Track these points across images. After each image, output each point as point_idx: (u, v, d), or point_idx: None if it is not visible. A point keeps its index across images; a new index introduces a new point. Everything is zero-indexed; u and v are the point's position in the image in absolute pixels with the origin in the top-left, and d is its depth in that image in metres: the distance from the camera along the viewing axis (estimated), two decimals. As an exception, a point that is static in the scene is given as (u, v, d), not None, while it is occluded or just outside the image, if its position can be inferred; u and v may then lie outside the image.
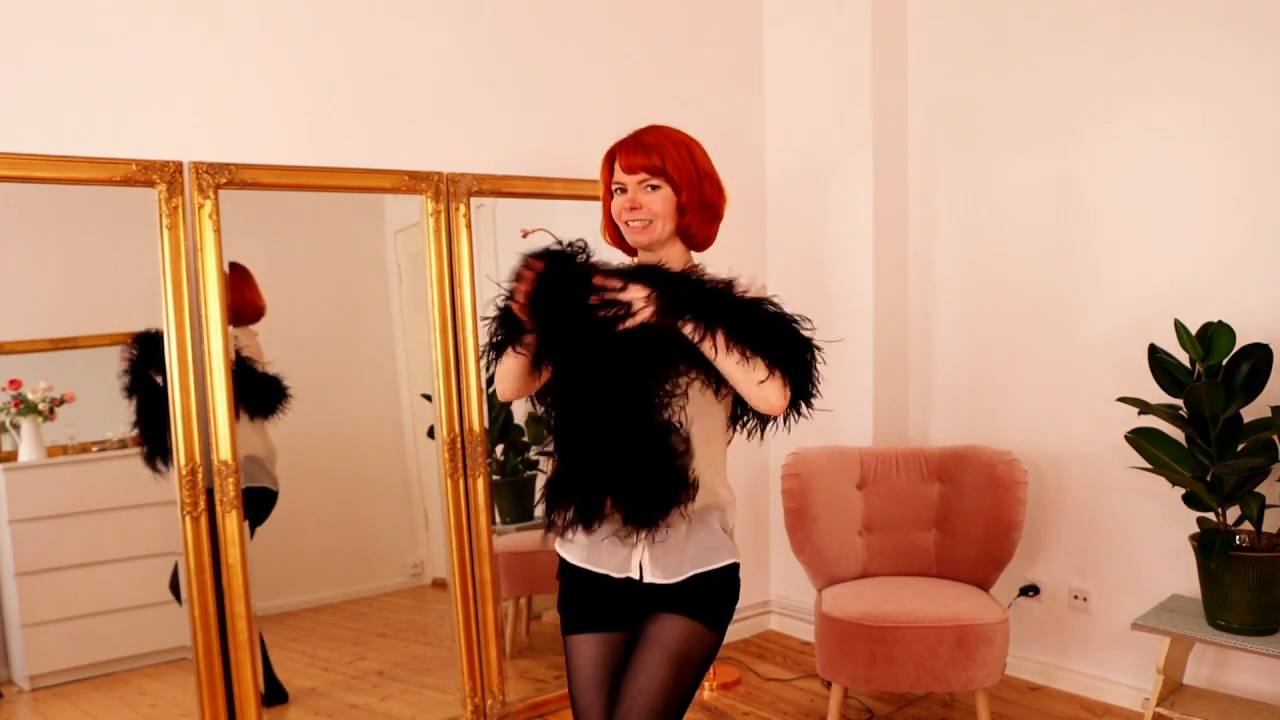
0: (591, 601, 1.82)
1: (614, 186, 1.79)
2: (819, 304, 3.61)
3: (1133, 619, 2.80)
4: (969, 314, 3.49)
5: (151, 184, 2.49)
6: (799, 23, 3.70)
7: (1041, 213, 3.26)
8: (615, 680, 1.79)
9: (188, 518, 2.53)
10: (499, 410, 3.18)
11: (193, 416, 2.53)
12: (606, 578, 1.78)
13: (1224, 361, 2.60)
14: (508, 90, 3.19)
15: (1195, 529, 2.72)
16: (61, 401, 2.58)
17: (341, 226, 3.06)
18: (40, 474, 2.60)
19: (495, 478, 3.11)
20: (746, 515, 3.78)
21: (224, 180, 2.57)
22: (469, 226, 2.95)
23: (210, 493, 2.56)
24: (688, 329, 1.64)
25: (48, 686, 2.57)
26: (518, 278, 1.69)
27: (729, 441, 1.85)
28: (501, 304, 1.74)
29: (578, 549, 1.81)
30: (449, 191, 2.94)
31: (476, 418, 2.97)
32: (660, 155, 1.74)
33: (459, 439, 2.95)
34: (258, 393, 2.72)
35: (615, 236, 1.85)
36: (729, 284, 1.69)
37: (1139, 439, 2.71)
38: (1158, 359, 2.71)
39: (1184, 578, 2.92)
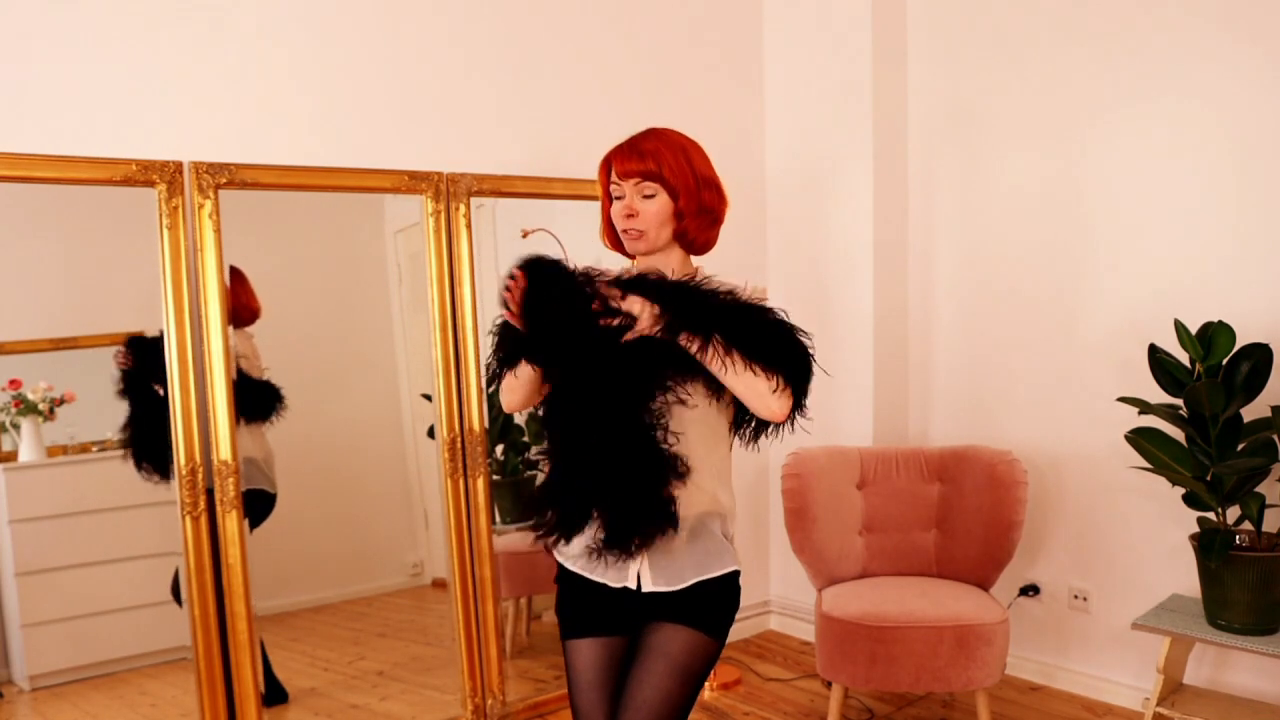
0: (589, 606, 1.81)
1: (612, 190, 1.78)
2: (819, 304, 3.61)
3: (1133, 619, 2.80)
4: (969, 314, 3.49)
5: (151, 184, 2.49)
6: (799, 22, 3.70)
7: (1041, 213, 3.26)
8: (615, 684, 1.79)
9: (188, 518, 2.53)
10: (499, 410, 3.17)
11: (193, 417, 2.53)
12: (604, 586, 1.77)
13: (1224, 361, 2.60)
14: (508, 90, 3.19)
15: (1195, 529, 2.72)
16: (61, 401, 2.58)
17: (341, 226, 3.06)
18: (40, 474, 2.60)
19: (495, 478, 3.12)
20: (746, 515, 3.78)
21: (224, 180, 2.58)
22: (469, 226, 2.95)
23: (210, 493, 2.56)
24: (691, 346, 1.64)
25: (48, 686, 2.57)
26: (506, 287, 1.68)
27: (731, 445, 1.85)
28: (499, 319, 1.74)
29: (574, 555, 1.79)
30: (449, 191, 2.94)
31: (476, 418, 2.97)
32: (656, 161, 1.72)
33: (459, 439, 2.95)
34: (253, 398, 2.72)
35: (614, 240, 1.83)
36: (730, 293, 1.69)
37: (1139, 439, 2.71)
38: (1158, 359, 2.71)
39: (1184, 578, 2.92)
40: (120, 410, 2.61)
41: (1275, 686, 2.80)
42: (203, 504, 2.54)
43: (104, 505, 2.62)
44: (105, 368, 2.60)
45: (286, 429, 2.82)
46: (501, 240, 3.15)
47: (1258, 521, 2.60)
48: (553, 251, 1.75)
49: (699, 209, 1.76)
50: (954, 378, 3.54)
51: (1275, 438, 2.56)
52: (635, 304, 1.64)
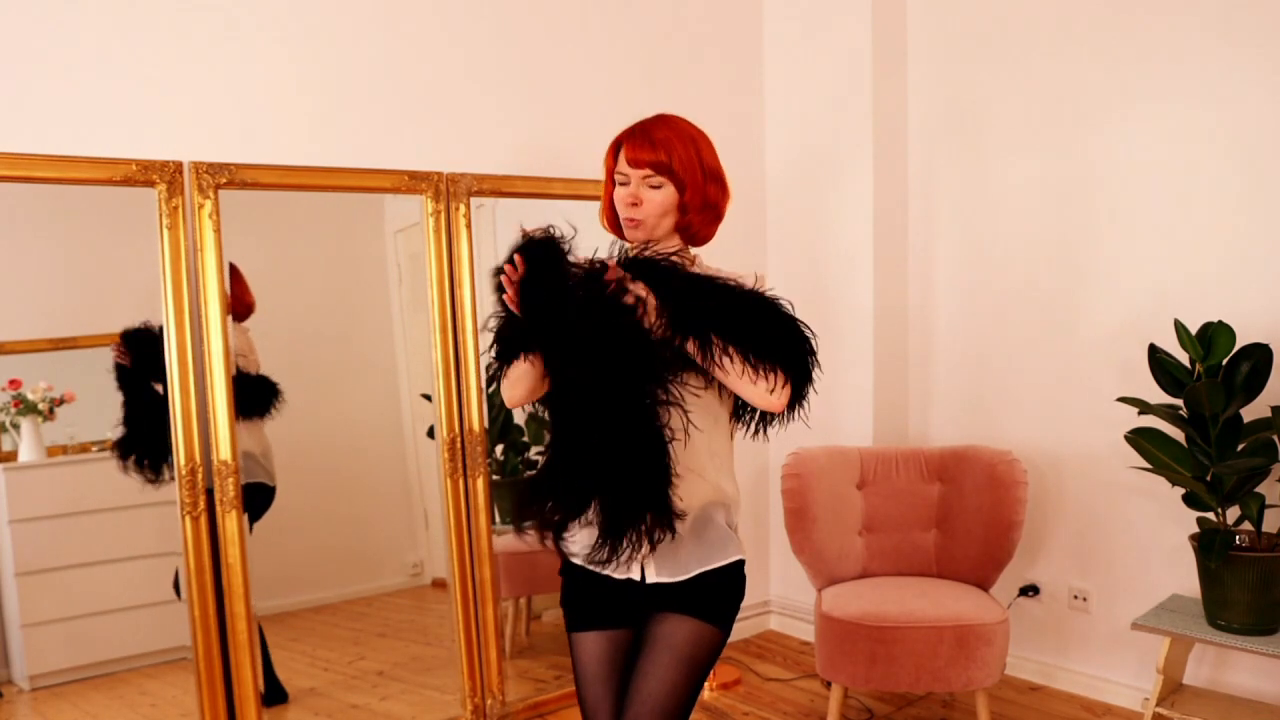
0: (594, 599, 1.81)
1: (617, 175, 1.75)
2: (819, 304, 3.61)
3: (1133, 619, 2.80)
4: (969, 314, 3.49)
5: (151, 184, 2.49)
6: (799, 22, 3.70)
7: (1041, 212, 3.26)
8: (622, 675, 1.78)
9: (188, 518, 2.53)
10: (499, 410, 3.17)
11: (193, 417, 2.53)
12: (607, 578, 1.77)
13: (1224, 361, 2.60)
14: (508, 90, 3.19)
15: (1195, 529, 2.72)
16: (61, 401, 2.58)
17: (341, 226, 3.06)
18: (40, 474, 2.60)
19: (495, 478, 3.11)
20: (747, 515, 3.78)
21: (224, 180, 2.58)
22: (469, 226, 2.95)
23: (210, 493, 2.56)
24: (687, 345, 1.62)
25: (48, 686, 2.57)
26: (499, 270, 1.66)
27: (732, 435, 1.82)
28: (500, 309, 1.71)
29: (577, 546, 1.78)
30: (449, 191, 2.94)
31: (476, 418, 2.97)
32: (667, 152, 1.70)
33: (459, 439, 2.95)
34: (250, 393, 2.72)
35: (613, 223, 1.81)
36: (733, 284, 1.67)
37: (1139, 439, 2.71)
38: (1158, 359, 2.71)
39: (1184, 578, 2.92)
40: (121, 410, 2.61)
41: (1275, 686, 2.80)
42: (202, 504, 2.54)
43: (104, 505, 2.62)
44: (105, 368, 2.60)
45: (287, 429, 2.82)
46: (501, 240, 3.15)
47: (1258, 522, 2.60)
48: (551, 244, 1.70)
49: (703, 203, 1.74)
50: (954, 378, 3.54)
51: (1275, 438, 2.56)
52: (641, 289, 1.62)
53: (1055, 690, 3.27)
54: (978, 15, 3.39)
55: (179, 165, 2.52)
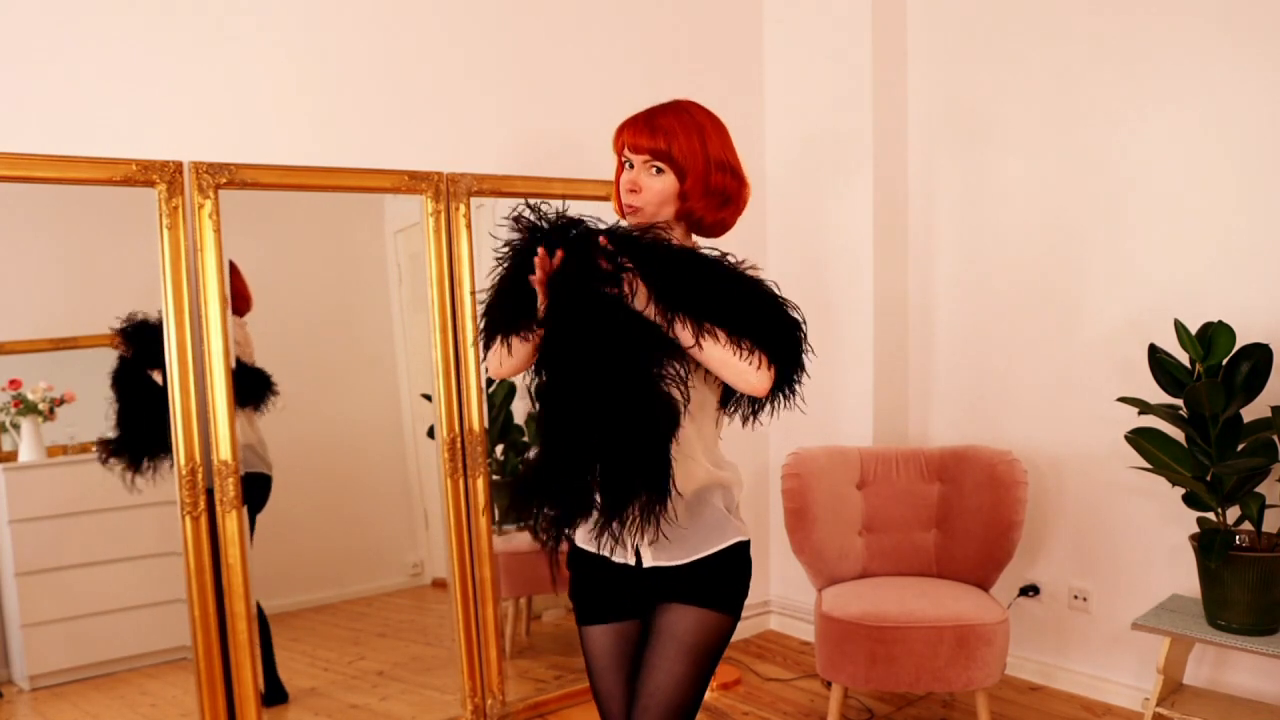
0: (601, 590, 1.81)
1: (623, 159, 1.76)
2: (819, 303, 3.61)
3: (1133, 619, 2.80)
4: (969, 314, 3.49)
5: (151, 184, 2.49)
6: (799, 21, 3.70)
7: (1041, 212, 3.26)
8: (632, 666, 1.78)
9: (188, 518, 2.53)
10: (499, 410, 3.18)
11: (193, 417, 2.53)
12: (608, 561, 1.76)
13: (1224, 361, 2.60)
14: (508, 90, 3.19)
15: (1195, 529, 2.72)
16: (61, 401, 2.58)
17: (341, 226, 3.06)
18: (40, 474, 2.60)
19: (495, 478, 3.11)
20: (747, 515, 3.76)
21: (224, 180, 2.58)
22: (469, 226, 2.95)
23: (210, 492, 2.56)
24: (660, 319, 1.60)
25: (48, 686, 2.57)
26: (515, 251, 1.65)
27: (719, 421, 1.80)
28: (499, 281, 1.69)
29: (581, 529, 1.76)
30: (449, 191, 2.94)
31: (476, 418, 2.97)
32: (667, 139, 1.69)
33: (459, 439, 2.95)
34: (246, 384, 2.72)
35: (622, 207, 1.82)
36: (706, 258, 1.65)
37: (1139, 439, 2.71)
38: (1158, 359, 2.71)
39: (1184, 578, 2.92)
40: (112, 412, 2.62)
41: (1275, 686, 2.80)
42: (203, 504, 2.54)
43: (104, 505, 2.62)
44: (105, 368, 2.60)
45: (287, 428, 2.83)
46: (501, 240, 3.15)
47: (1258, 521, 2.60)
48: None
49: (706, 190, 1.72)
50: (954, 378, 3.54)
51: (1275, 438, 2.56)
52: (637, 280, 1.61)
53: (1055, 690, 3.27)
54: (978, 15, 3.39)
55: (179, 165, 2.52)
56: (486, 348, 1.77)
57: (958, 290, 3.51)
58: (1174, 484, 2.70)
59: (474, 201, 2.98)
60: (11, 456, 2.57)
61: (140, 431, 2.57)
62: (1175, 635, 2.65)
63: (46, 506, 2.59)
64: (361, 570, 3.20)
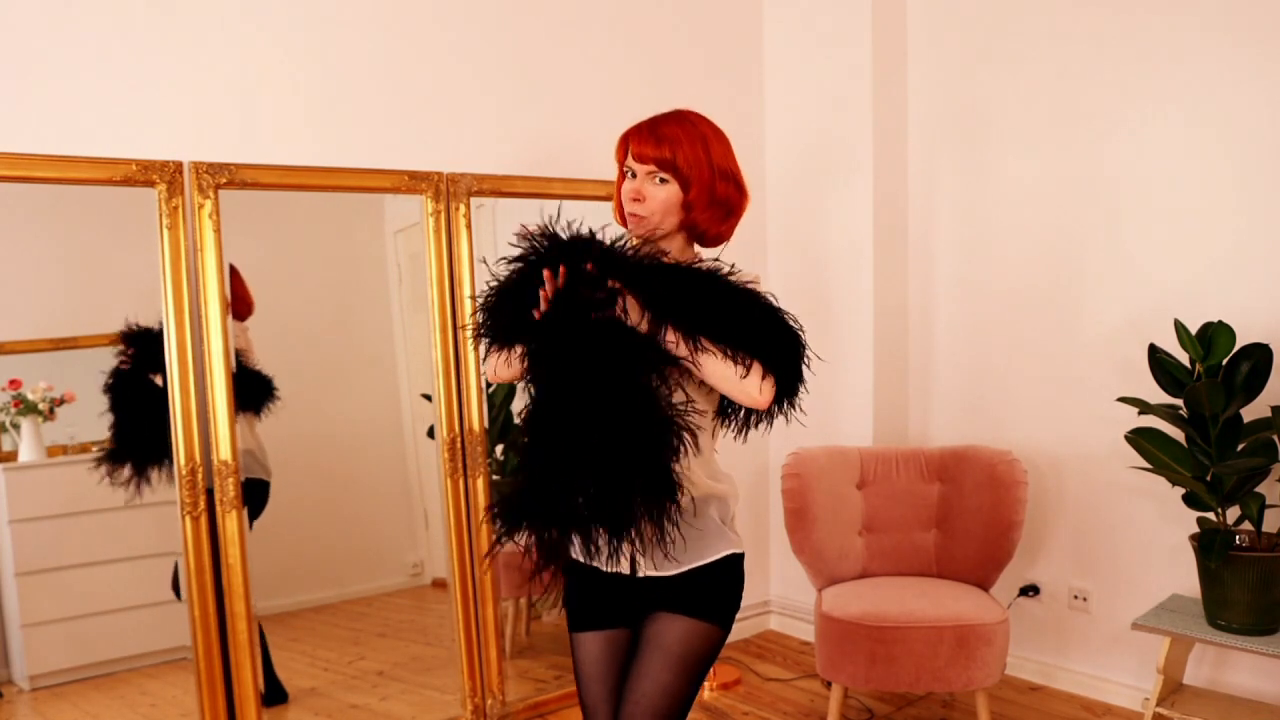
0: (593, 598, 1.81)
1: (625, 169, 1.75)
2: (819, 304, 3.61)
3: (1133, 619, 2.80)
4: (969, 314, 3.49)
5: (151, 184, 2.49)
6: (799, 22, 3.70)
7: (1041, 213, 3.26)
8: (620, 676, 1.79)
9: (188, 518, 2.53)
10: (499, 410, 3.18)
11: (193, 417, 2.53)
12: (600, 571, 1.76)
13: (1224, 361, 2.60)
14: (508, 90, 3.19)
15: (1195, 529, 2.72)
16: (61, 401, 2.58)
17: (341, 226, 3.06)
18: (40, 474, 2.60)
19: (495, 478, 3.11)
20: (747, 515, 3.78)
21: (224, 180, 2.58)
22: (469, 226, 2.95)
23: (210, 493, 2.56)
24: (670, 342, 1.61)
25: (48, 686, 2.57)
26: (513, 267, 1.66)
27: (715, 433, 1.81)
28: (504, 284, 1.70)
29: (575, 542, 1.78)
30: (449, 191, 2.94)
31: (476, 418, 2.97)
32: (672, 149, 1.69)
33: (459, 439, 2.95)
34: (247, 389, 2.72)
35: (623, 217, 1.81)
36: (704, 273, 1.65)
37: (1139, 439, 2.71)
38: (1158, 359, 2.71)
39: (1184, 578, 2.92)
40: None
41: (1275, 686, 2.80)
42: (203, 504, 2.54)
43: (104, 505, 2.62)
44: (105, 368, 2.60)
45: (287, 428, 2.82)
46: (501, 240, 3.15)
47: (1258, 521, 2.60)
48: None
49: (710, 201, 1.72)
50: (954, 378, 3.54)
51: (1275, 438, 2.56)
52: (629, 298, 1.62)
53: (1055, 690, 3.27)
54: (978, 16, 3.39)
55: (179, 165, 2.52)
56: (481, 346, 1.77)
57: (958, 290, 3.51)
58: (1174, 484, 2.70)
59: (474, 201, 2.98)
60: (11, 456, 2.57)
61: (143, 440, 2.56)
62: (1175, 635, 2.65)
63: (46, 506, 2.59)
64: (361, 570, 3.20)
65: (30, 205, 2.45)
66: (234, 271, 2.70)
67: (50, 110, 2.45)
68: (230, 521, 2.58)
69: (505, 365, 1.75)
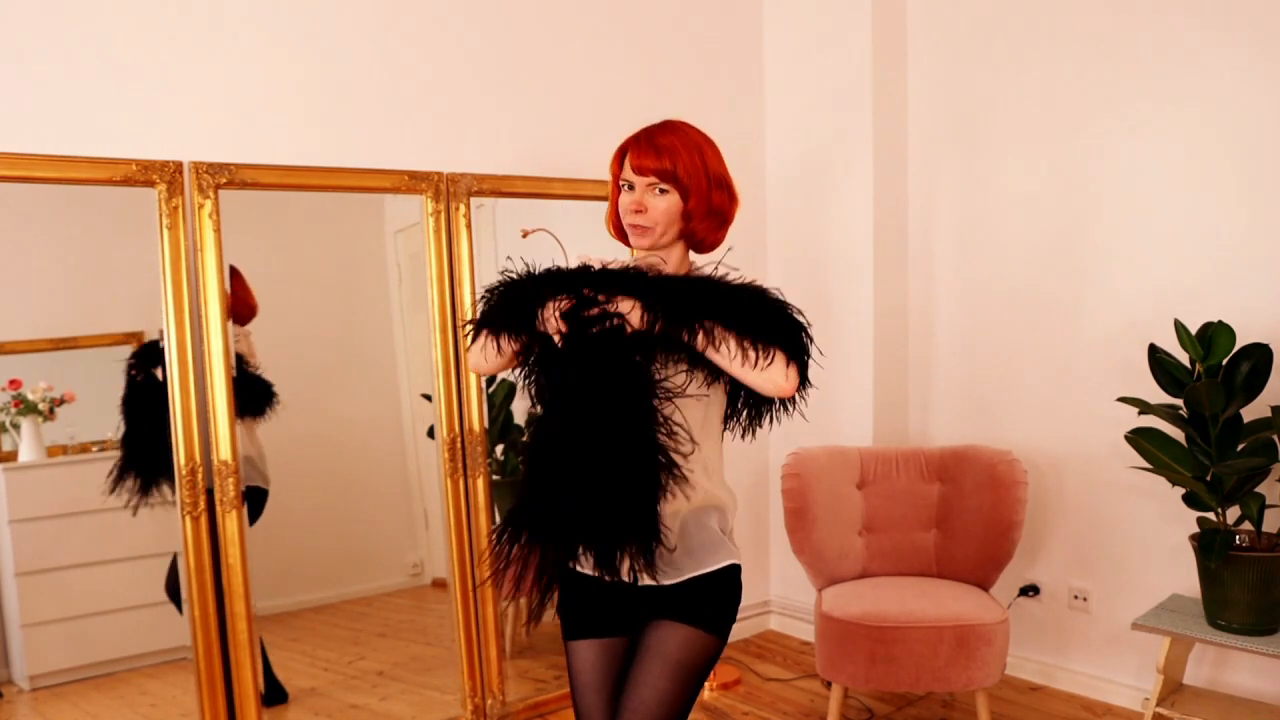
0: (589, 607, 1.80)
1: (622, 182, 1.76)
2: (819, 304, 3.61)
3: (1133, 619, 2.80)
4: (969, 314, 3.49)
5: (151, 184, 2.49)
6: (799, 22, 3.70)
7: (1041, 213, 3.26)
8: (616, 685, 1.78)
9: (188, 518, 2.53)
10: (499, 410, 3.18)
11: (193, 417, 2.53)
12: (599, 581, 1.76)
13: (1224, 361, 2.60)
14: (508, 90, 3.19)
15: (1195, 529, 2.72)
16: (61, 401, 2.58)
17: (341, 226, 3.06)
18: (40, 474, 2.60)
19: (495, 478, 3.11)
20: (747, 515, 3.78)
21: (224, 180, 2.58)
22: (469, 226, 2.95)
23: (210, 493, 2.56)
24: (685, 335, 1.62)
25: (48, 686, 2.57)
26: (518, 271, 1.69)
27: (722, 437, 1.82)
28: (509, 285, 1.73)
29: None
30: (449, 191, 2.94)
31: (476, 418, 2.97)
32: (672, 159, 1.70)
33: (459, 439, 2.95)
34: (248, 393, 2.72)
35: (618, 229, 1.82)
36: (720, 278, 1.68)
37: (1139, 439, 2.71)
38: (1158, 359, 2.71)
39: (1184, 578, 2.92)
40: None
41: (1275, 686, 2.80)
42: (203, 504, 2.54)
43: (104, 505, 2.62)
44: (105, 368, 2.60)
45: (287, 428, 2.82)
46: (501, 240, 3.15)
47: (1258, 521, 2.60)
48: (554, 252, 1.73)
49: (709, 210, 1.74)
50: (954, 378, 3.54)
51: (1275, 438, 2.56)
52: (625, 304, 1.64)
53: (1055, 690, 3.27)
54: (977, 16, 3.39)
55: (179, 165, 2.52)
56: (471, 336, 1.78)
57: (958, 290, 3.51)
58: (1174, 484, 2.70)
59: (474, 201, 2.98)
60: (11, 456, 2.57)
61: (154, 451, 2.56)
62: (1175, 635, 2.65)
63: (46, 506, 2.59)
64: (361, 570, 3.20)
65: (30, 205, 2.45)
66: (236, 274, 2.70)
67: (50, 110, 2.45)
68: (230, 522, 2.58)
69: (496, 354, 1.75)
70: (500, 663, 3.04)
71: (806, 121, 3.70)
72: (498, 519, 3.08)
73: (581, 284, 1.66)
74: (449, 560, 2.96)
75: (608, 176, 1.84)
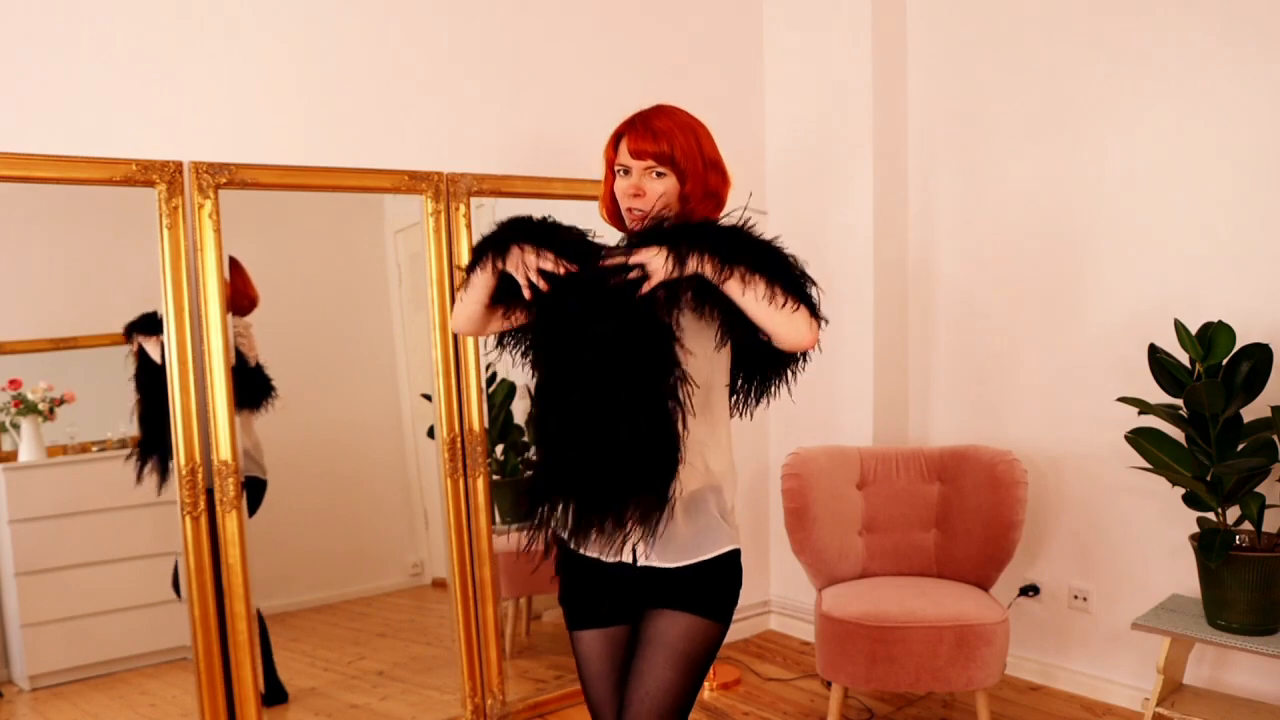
0: (591, 595, 1.81)
1: (617, 167, 1.76)
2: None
3: (1133, 619, 2.80)
4: (969, 314, 3.49)
5: (151, 184, 2.49)
6: (799, 21, 3.70)
7: (1041, 212, 3.26)
8: (623, 673, 1.78)
9: (188, 518, 2.53)
10: (499, 410, 3.18)
11: (193, 416, 2.53)
12: (598, 563, 1.76)
13: (1224, 361, 2.60)
14: (508, 90, 3.19)
15: (1195, 529, 2.72)
16: (61, 401, 2.58)
17: (341, 226, 3.06)
18: (40, 474, 2.60)
19: (495, 478, 3.11)
20: (747, 515, 3.78)
21: (224, 180, 2.58)
22: (469, 226, 2.95)
23: (210, 492, 2.56)
24: (708, 270, 1.59)
25: (48, 686, 2.57)
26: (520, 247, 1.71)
27: (722, 422, 1.80)
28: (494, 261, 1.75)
29: (572, 531, 1.78)
30: (449, 191, 2.94)
31: (476, 418, 2.97)
32: (670, 142, 1.71)
33: (459, 439, 2.95)
34: (246, 385, 2.71)
35: (612, 214, 1.82)
36: (736, 226, 1.66)
37: (1139, 439, 2.71)
38: (1158, 359, 2.71)
39: (1184, 578, 2.92)
40: (125, 410, 2.61)
41: (1275, 686, 2.80)
42: (203, 504, 2.54)
43: (104, 505, 2.62)
44: (105, 368, 2.60)
45: (287, 428, 2.82)
46: (501, 240, 3.15)
47: (1258, 521, 2.60)
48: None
49: (705, 193, 1.75)
50: (954, 377, 3.54)
51: (1275, 438, 2.56)
52: (647, 254, 1.61)
53: (1055, 690, 3.27)
54: (978, 14, 3.39)
55: (179, 165, 2.52)
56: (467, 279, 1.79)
57: (958, 290, 3.51)
58: (1174, 484, 2.70)
59: (474, 201, 2.98)
60: (11, 456, 2.57)
61: (168, 429, 2.55)
62: (1175, 635, 2.65)
63: (46, 506, 2.59)
64: (361, 570, 3.20)
65: (30, 205, 2.45)
66: (236, 265, 2.69)
67: (50, 110, 2.45)
68: (230, 521, 2.58)
69: (480, 314, 1.77)
70: (500, 663, 3.04)
71: (806, 118, 3.70)
72: (498, 519, 3.09)
73: (556, 238, 1.68)
74: (449, 560, 2.96)
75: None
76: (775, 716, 3.17)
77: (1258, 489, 2.61)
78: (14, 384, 2.53)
